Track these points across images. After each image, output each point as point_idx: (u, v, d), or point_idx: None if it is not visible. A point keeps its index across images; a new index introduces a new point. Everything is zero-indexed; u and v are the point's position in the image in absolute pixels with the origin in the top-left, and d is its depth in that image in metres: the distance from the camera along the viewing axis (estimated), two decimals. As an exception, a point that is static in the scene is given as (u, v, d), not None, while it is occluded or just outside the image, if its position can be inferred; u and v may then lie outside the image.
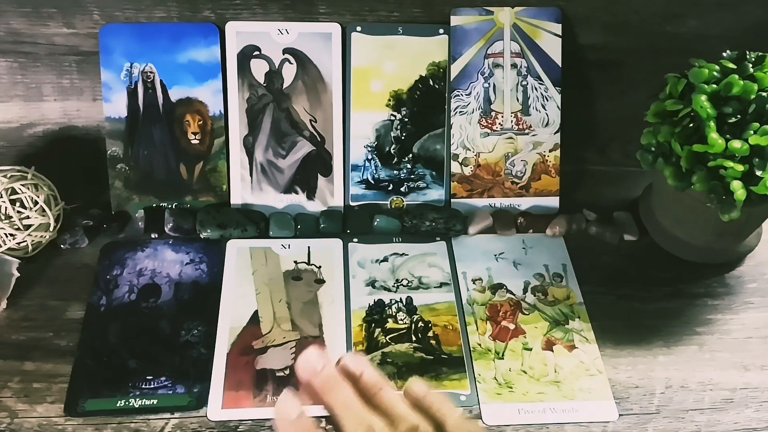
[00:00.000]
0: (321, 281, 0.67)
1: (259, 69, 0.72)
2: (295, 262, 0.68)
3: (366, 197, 0.74)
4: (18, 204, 0.65)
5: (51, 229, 0.67)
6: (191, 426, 0.55)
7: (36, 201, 0.65)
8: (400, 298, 0.65)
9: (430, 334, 0.63)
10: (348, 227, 0.72)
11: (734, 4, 0.74)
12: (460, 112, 0.74)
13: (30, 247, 0.67)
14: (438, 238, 0.72)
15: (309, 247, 0.70)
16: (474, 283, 0.67)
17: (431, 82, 0.74)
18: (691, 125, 0.63)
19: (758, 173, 0.59)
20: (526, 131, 0.75)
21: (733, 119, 0.61)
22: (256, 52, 0.72)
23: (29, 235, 0.65)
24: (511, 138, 0.75)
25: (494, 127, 0.75)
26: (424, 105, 0.74)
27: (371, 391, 0.38)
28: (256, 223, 0.71)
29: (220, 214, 0.71)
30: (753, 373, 0.61)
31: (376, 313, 0.64)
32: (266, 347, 0.61)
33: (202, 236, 0.70)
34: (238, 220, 0.71)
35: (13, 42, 0.71)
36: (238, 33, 0.72)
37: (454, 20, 0.73)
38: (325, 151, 0.74)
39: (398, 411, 0.37)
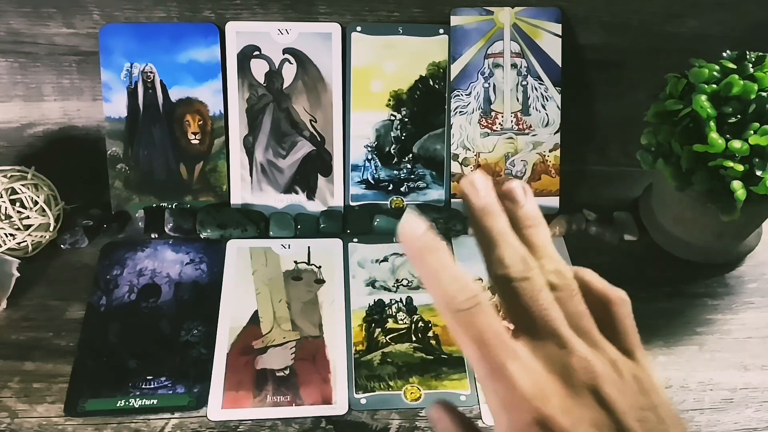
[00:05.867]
0: (321, 281, 0.67)
1: (259, 69, 0.72)
2: (295, 262, 0.68)
3: (366, 197, 0.74)
4: (18, 204, 0.65)
5: (51, 229, 0.67)
6: (191, 426, 0.55)
7: (36, 201, 0.65)
8: (400, 298, 0.65)
9: (430, 334, 0.63)
10: (348, 227, 0.72)
11: (734, 4, 0.74)
12: (460, 112, 0.74)
13: (30, 247, 0.67)
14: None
15: (309, 247, 0.70)
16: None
17: (431, 82, 0.74)
18: (691, 125, 0.63)
19: (758, 173, 0.59)
20: (526, 131, 0.75)
21: (733, 119, 0.61)
22: (256, 52, 0.72)
23: (29, 235, 0.65)
24: (511, 138, 0.75)
25: (494, 127, 0.75)
26: (424, 105, 0.74)
27: (526, 223, 0.35)
28: (256, 223, 0.71)
29: (220, 214, 0.71)
30: (753, 373, 0.61)
31: (376, 313, 0.64)
32: (266, 347, 0.61)
33: (202, 236, 0.70)
34: (238, 220, 0.71)
35: (13, 42, 0.71)
36: (238, 33, 0.72)
37: (454, 20, 0.73)
38: (325, 151, 0.74)
39: (548, 251, 0.34)
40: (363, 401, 0.57)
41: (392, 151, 0.74)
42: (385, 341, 0.62)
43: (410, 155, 0.75)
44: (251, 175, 0.73)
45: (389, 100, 0.74)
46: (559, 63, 0.74)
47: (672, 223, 0.71)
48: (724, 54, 0.66)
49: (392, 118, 0.74)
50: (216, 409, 0.56)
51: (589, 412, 0.29)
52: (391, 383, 0.59)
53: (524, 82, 0.74)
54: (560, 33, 0.74)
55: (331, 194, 0.74)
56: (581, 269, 0.34)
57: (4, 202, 0.64)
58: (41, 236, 0.67)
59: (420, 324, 0.63)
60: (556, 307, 0.32)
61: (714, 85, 0.62)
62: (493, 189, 0.34)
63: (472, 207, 0.34)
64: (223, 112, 0.72)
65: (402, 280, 0.67)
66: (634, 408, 0.30)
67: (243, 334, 0.62)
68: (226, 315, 0.63)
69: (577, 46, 0.76)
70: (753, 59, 0.64)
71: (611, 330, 0.33)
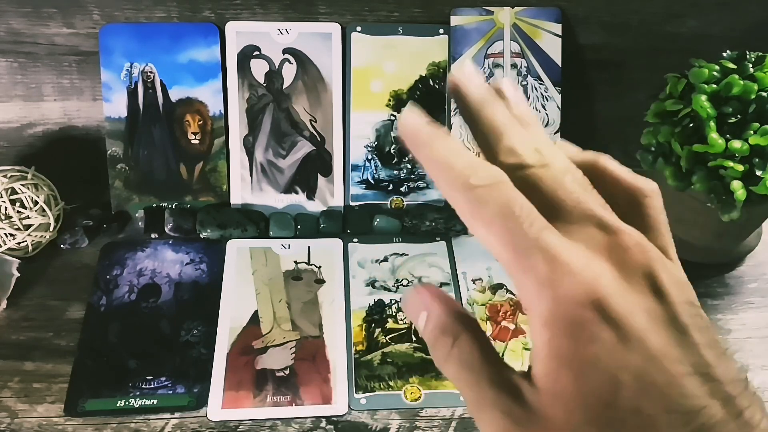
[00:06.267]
0: (321, 281, 0.67)
1: (259, 69, 0.72)
2: (295, 262, 0.68)
3: (366, 197, 0.74)
4: (18, 204, 0.65)
5: (51, 229, 0.67)
6: (191, 426, 0.55)
7: (36, 201, 0.65)
8: (401, 298, 0.65)
9: (430, 334, 0.63)
10: (348, 227, 0.72)
11: (734, 4, 0.74)
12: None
13: (30, 247, 0.67)
14: (438, 238, 0.72)
15: (309, 247, 0.70)
16: (474, 283, 0.67)
17: (431, 82, 0.74)
18: (691, 125, 0.63)
19: (758, 173, 0.59)
20: (526, 131, 0.75)
21: (733, 119, 0.61)
22: (256, 52, 0.72)
23: (29, 235, 0.65)
24: (511, 138, 0.75)
25: (494, 127, 0.75)
26: (424, 105, 0.74)
27: (523, 120, 0.29)
28: (256, 223, 0.71)
29: (220, 214, 0.71)
30: (753, 373, 0.61)
31: (376, 313, 0.64)
32: (266, 347, 0.61)
33: (202, 236, 0.70)
34: (238, 220, 0.71)
35: (13, 42, 0.71)
36: (238, 33, 0.72)
37: (454, 20, 0.73)
38: (325, 151, 0.74)
39: (549, 148, 0.28)
40: (363, 401, 0.57)
41: (392, 151, 0.74)
42: (385, 341, 0.62)
43: (410, 155, 0.74)
44: (251, 175, 0.73)
45: (389, 100, 0.74)
46: (559, 63, 0.74)
47: (672, 223, 0.70)
48: (724, 54, 0.66)
49: (392, 118, 0.74)
50: (216, 409, 0.56)
51: (643, 299, 0.24)
52: (391, 383, 0.59)
53: (524, 82, 0.74)
54: (560, 33, 0.74)
55: (331, 194, 0.74)
56: (598, 156, 0.29)
57: (4, 202, 0.64)
58: (41, 236, 0.67)
59: (420, 324, 0.63)
60: (590, 189, 0.27)
61: (714, 85, 0.62)
62: (484, 80, 0.29)
63: (467, 99, 0.29)
64: (223, 112, 0.72)
65: (402, 280, 0.67)
66: (686, 303, 0.25)
67: (243, 334, 0.62)
68: (226, 315, 0.63)
69: (577, 46, 0.76)
70: (753, 59, 0.64)
71: (643, 227, 0.28)
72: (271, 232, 0.71)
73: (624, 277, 0.25)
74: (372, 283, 0.67)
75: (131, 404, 0.56)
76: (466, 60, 0.29)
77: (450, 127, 0.74)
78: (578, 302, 0.23)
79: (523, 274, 0.25)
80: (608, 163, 0.28)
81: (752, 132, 0.60)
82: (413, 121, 0.27)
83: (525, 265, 0.24)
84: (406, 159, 0.75)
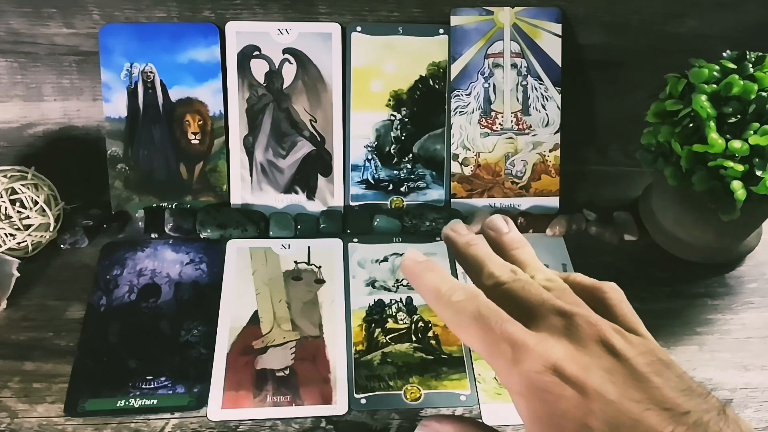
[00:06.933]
0: (321, 281, 0.67)
1: (259, 69, 0.72)
2: (295, 262, 0.68)
3: (366, 197, 0.74)
4: (18, 204, 0.65)
5: (51, 229, 0.67)
6: (191, 426, 0.55)
7: (36, 201, 0.65)
8: (400, 298, 0.65)
9: (430, 334, 0.63)
10: (348, 227, 0.72)
11: (734, 4, 0.74)
12: (460, 112, 0.74)
13: (30, 247, 0.67)
14: (438, 238, 0.72)
15: (309, 247, 0.70)
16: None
17: (431, 82, 0.74)
18: (691, 125, 0.63)
19: (758, 173, 0.59)
20: (526, 131, 0.75)
21: (733, 119, 0.61)
22: (256, 52, 0.72)
23: (29, 235, 0.65)
24: (511, 138, 0.75)
25: (494, 127, 0.75)
26: (424, 105, 0.74)
27: (511, 246, 0.39)
28: (256, 223, 0.71)
29: (220, 214, 0.71)
30: (753, 373, 0.61)
31: (376, 313, 0.64)
32: (266, 347, 0.61)
33: (202, 236, 0.70)
34: (238, 220, 0.71)
35: (13, 42, 0.71)
36: (238, 33, 0.72)
37: (454, 20, 0.73)
38: (325, 151, 0.74)
39: (537, 265, 0.37)
40: (363, 401, 0.57)
41: (392, 151, 0.74)
42: (385, 341, 0.62)
43: (410, 155, 0.75)
44: (251, 175, 0.73)
45: (389, 100, 0.74)
46: (559, 63, 0.74)
47: (672, 223, 0.71)
48: (724, 54, 0.66)
49: (392, 118, 0.74)
50: (216, 409, 0.56)
51: (599, 361, 0.30)
52: (391, 383, 0.59)
53: (524, 82, 0.74)
54: (560, 33, 0.74)
55: (331, 194, 0.74)
56: (570, 273, 0.37)
57: (4, 202, 0.64)
58: (41, 236, 0.67)
59: (420, 324, 0.63)
60: (561, 290, 0.34)
61: (714, 85, 0.62)
62: (471, 230, 0.39)
63: (456, 245, 0.38)
64: (223, 112, 0.72)
65: (402, 280, 0.67)
66: (641, 355, 0.30)
67: (243, 334, 0.62)
68: (226, 315, 0.63)
69: (577, 46, 0.76)
70: (753, 59, 0.64)
71: (610, 315, 0.34)
72: (271, 232, 0.71)
73: (579, 347, 0.30)
74: (372, 283, 0.67)
75: (131, 404, 0.56)
76: (453, 220, 0.39)
77: (450, 126, 0.74)
78: (538, 371, 0.29)
79: (495, 360, 0.31)
80: (575, 277, 0.36)
81: (752, 132, 0.60)
82: (410, 261, 0.36)
83: (495, 352, 0.30)
84: (406, 159, 0.75)
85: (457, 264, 0.69)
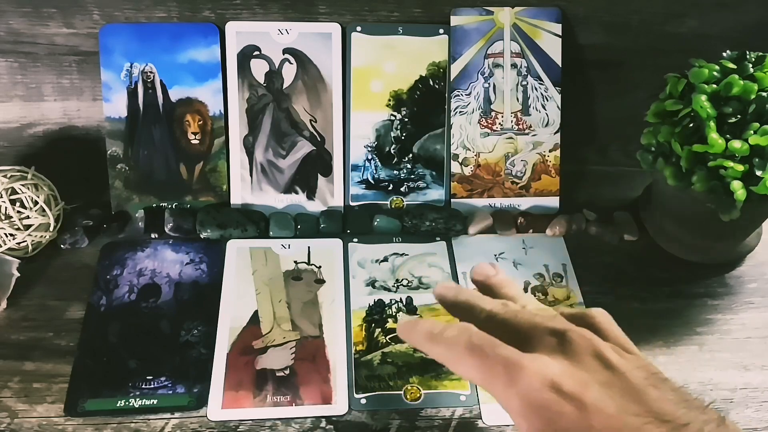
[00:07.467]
0: (321, 281, 0.67)
1: (259, 69, 0.72)
2: (295, 262, 0.68)
3: (366, 197, 0.74)
4: (18, 204, 0.65)
5: (51, 229, 0.67)
6: (191, 426, 0.55)
7: (36, 201, 0.65)
8: (400, 298, 0.65)
9: (430, 334, 0.63)
10: (348, 227, 0.72)
11: (734, 4, 0.74)
12: (460, 112, 0.74)
13: (30, 247, 0.67)
14: (438, 238, 0.72)
15: (309, 247, 0.70)
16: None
17: (431, 82, 0.74)
18: (691, 125, 0.63)
19: (758, 173, 0.59)
20: (526, 131, 0.75)
21: (733, 119, 0.61)
22: (256, 52, 0.72)
23: (29, 235, 0.65)
24: (511, 138, 0.75)
25: (494, 127, 0.75)
26: (424, 105, 0.74)
27: (500, 286, 0.41)
28: (256, 223, 0.71)
29: (220, 214, 0.71)
30: (753, 373, 0.61)
31: (376, 313, 0.64)
32: (266, 347, 0.61)
33: (202, 236, 0.70)
34: (238, 220, 0.71)
35: (13, 42, 0.71)
36: (238, 33, 0.72)
37: (454, 20, 0.73)
38: (325, 151, 0.74)
39: (527, 298, 0.39)
40: (363, 401, 0.57)
41: (392, 151, 0.74)
42: (385, 341, 0.62)
43: (410, 155, 0.75)
44: (251, 175, 0.73)
45: (389, 100, 0.74)
46: (559, 63, 0.74)
47: (672, 223, 0.71)
48: (724, 54, 0.66)
49: (392, 118, 0.74)
50: (216, 409, 0.56)
51: (595, 375, 0.30)
52: (391, 383, 0.59)
53: (524, 82, 0.74)
54: (560, 33, 0.74)
55: (331, 194, 0.74)
56: (557, 307, 0.40)
57: (4, 202, 0.64)
58: (41, 236, 0.67)
59: (420, 324, 0.63)
60: (548, 312, 0.35)
61: (714, 85, 0.62)
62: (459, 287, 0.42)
63: (447, 297, 0.41)
64: (223, 112, 0.72)
65: (402, 280, 0.67)
66: (637, 369, 0.31)
67: (243, 334, 0.62)
68: (226, 315, 0.63)
69: (577, 46, 0.76)
70: (753, 59, 0.64)
71: (602, 338, 0.34)
72: (271, 232, 0.71)
73: (575, 363, 0.31)
74: (372, 283, 0.67)
75: (131, 404, 0.56)
76: (440, 283, 0.44)
77: (450, 126, 0.74)
78: (536, 389, 0.30)
79: (493, 385, 0.31)
80: (564, 309, 0.38)
81: (752, 132, 0.60)
82: (400, 323, 0.40)
83: (492, 377, 0.31)
84: (406, 159, 0.75)
85: (457, 265, 0.69)
